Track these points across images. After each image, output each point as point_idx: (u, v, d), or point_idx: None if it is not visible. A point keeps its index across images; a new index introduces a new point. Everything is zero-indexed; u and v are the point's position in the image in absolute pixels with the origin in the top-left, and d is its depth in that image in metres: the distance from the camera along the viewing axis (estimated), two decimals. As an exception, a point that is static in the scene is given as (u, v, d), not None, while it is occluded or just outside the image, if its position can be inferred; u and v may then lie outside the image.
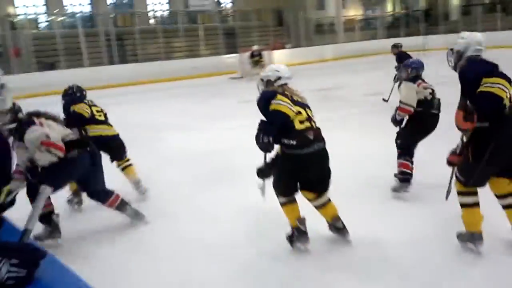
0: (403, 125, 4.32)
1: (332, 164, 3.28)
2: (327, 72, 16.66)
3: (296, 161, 3.18)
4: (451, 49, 3.17)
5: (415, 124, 4.21)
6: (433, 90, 4.27)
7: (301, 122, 3.15)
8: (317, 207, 3.37)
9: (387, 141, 4.61)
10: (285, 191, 3.30)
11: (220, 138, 7.23)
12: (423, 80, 4.35)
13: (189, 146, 6.76)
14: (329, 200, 3.36)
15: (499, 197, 3.09)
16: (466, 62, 3.04)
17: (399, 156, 4.25)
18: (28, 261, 1.31)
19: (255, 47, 16.54)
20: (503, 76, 2.89)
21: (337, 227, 3.38)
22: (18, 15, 19.26)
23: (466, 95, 2.94)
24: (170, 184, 5.00)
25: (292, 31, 24.90)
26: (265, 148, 3.16)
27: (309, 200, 3.35)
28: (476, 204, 3.07)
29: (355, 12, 28.05)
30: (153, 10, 23.23)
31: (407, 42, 22.16)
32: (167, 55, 20.10)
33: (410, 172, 4.19)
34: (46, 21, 20.46)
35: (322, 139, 3.22)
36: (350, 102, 9.99)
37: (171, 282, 3.03)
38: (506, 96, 2.85)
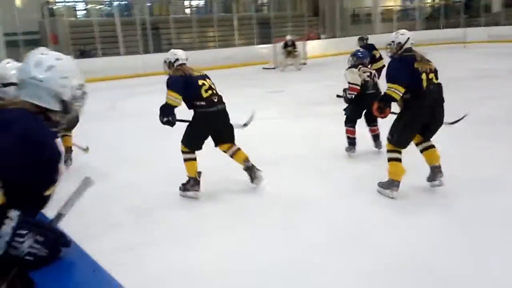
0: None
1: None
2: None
3: (205, 117, 4.16)
4: (393, 41, 4.18)
5: (357, 104, 5.26)
6: (371, 73, 5.36)
7: (206, 91, 4.14)
8: (231, 156, 4.38)
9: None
10: (192, 147, 4.23)
11: (247, 128, 7.20)
12: (365, 66, 5.48)
13: None
14: (239, 148, 4.39)
15: (416, 144, 4.12)
16: (399, 56, 4.08)
17: (346, 124, 5.41)
18: (52, 243, 1.31)
19: (288, 37, 16.35)
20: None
21: (248, 166, 4.36)
22: (57, 2, 19.65)
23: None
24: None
25: (327, 21, 24.55)
26: (168, 124, 4.20)
27: (225, 151, 4.40)
28: (400, 160, 4.00)
29: (393, 2, 27.43)
30: (188, -1, 23.34)
31: (446, 35, 21.69)
32: (201, 44, 20.16)
33: (354, 137, 5.38)
34: (84, 9, 20.80)
35: (223, 102, 4.26)
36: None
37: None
38: (423, 78, 3.84)
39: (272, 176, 4.59)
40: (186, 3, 23.30)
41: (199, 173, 4.29)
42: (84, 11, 20.76)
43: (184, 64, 4.35)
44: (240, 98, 10.46)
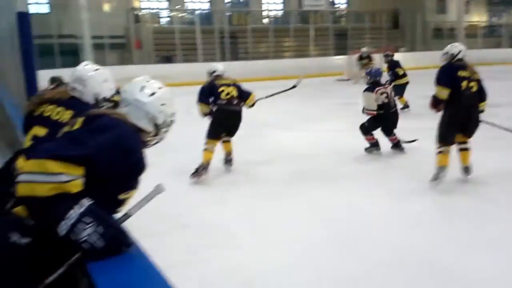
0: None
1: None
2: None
3: (223, 112, 5.22)
4: (447, 52, 4.83)
5: (377, 121, 5.94)
6: (387, 93, 5.92)
7: (226, 94, 5.25)
8: (224, 141, 5.42)
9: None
10: (212, 137, 5.19)
11: (314, 140, 7.26)
12: (381, 85, 6.02)
13: (284, 145, 6.83)
14: (230, 140, 5.44)
15: (458, 143, 4.69)
16: (447, 63, 4.73)
17: (363, 135, 6.06)
18: (111, 238, 1.34)
19: (364, 49, 16.05)
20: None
21: (228, 159, 5.49)
22: (142, 9, 20.62)
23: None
24: (256, 180, 5.14)
25: (407, 34, 23.90)
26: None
27: (222, 137, 5.36)
28: (447, 152, 4.56)
29: (478, 17, 26.21)
30: (267, 9, 23.62)
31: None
32: (277, 54, 20.32)
33: (375, 140, 6.05)
34: (167, 16, 21.67)
35: (240, 106, 5.34)
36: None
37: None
38: (463, 85, 4.49)
39: (334, 189, 4.70)
40: (264, 13, 23.61)
41: (210, 161, 5.14)
42: (167, 18, 21.62)
43: (219, 75, 5.44)
44: (314, 109, 10.45)
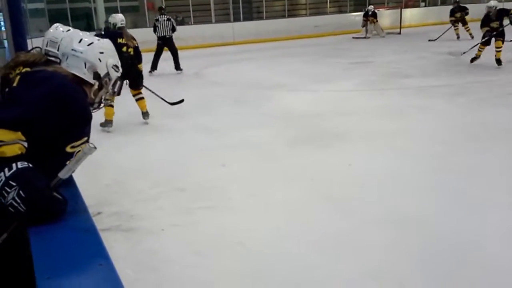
0: None
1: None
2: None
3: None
4: None
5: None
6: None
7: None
8: (136, 100, 6.08)
9: None
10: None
11: (318, 101, 7.11)
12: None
13: (288, 107, 6.71)
14: (143, 97, 6.06)
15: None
16: None
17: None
18: (33, 203, 1.31)
19: (370, 7, 16.01)
20: None
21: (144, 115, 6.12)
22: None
23: None
24: (259, 142, 5.06)
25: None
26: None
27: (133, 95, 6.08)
28: None
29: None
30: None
31: None
32: (292, 12, 19.84)
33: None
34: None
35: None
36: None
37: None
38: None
39: (335, 149, 4.67)
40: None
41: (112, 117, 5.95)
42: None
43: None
44: (325, 69, 10.26)
